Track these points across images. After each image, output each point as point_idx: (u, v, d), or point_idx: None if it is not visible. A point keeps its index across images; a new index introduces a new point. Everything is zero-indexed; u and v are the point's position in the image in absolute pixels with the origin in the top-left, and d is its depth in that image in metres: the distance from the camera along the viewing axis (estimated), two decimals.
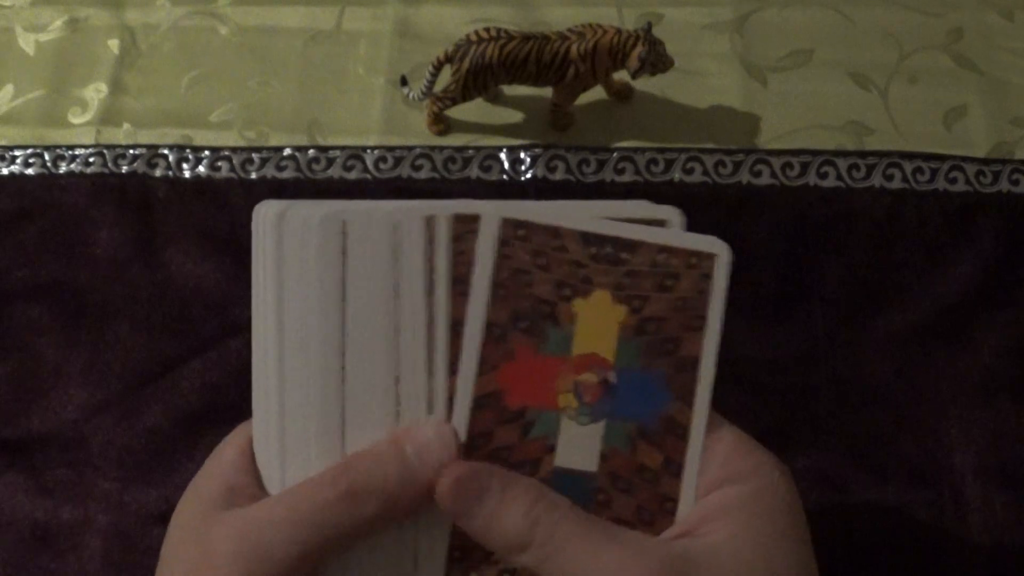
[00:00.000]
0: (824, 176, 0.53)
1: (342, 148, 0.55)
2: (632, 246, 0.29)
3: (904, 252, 0.51)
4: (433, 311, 0.29)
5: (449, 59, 0.52)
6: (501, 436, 0.29)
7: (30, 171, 0.55)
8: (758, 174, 0.53)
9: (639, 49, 0.51)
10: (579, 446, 0.29)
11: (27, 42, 0.60)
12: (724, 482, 0.28)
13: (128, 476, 0.47)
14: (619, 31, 0.51)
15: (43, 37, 0.60)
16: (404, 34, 0.59)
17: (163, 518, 0.46)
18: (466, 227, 0.29)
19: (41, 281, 0.52)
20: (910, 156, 0.53)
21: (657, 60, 0.52)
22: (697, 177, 0.53)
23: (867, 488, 0.46)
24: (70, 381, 0.49)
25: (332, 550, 0.28)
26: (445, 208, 0.29)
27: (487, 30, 0.52)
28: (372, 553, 0.29)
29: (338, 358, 0.29)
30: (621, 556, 0.27)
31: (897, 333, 0.48)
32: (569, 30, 0.52)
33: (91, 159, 0.55)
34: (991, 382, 0.48)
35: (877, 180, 0.53)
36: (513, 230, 0.29)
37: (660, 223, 0.29)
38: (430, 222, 0.29)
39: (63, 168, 0.55)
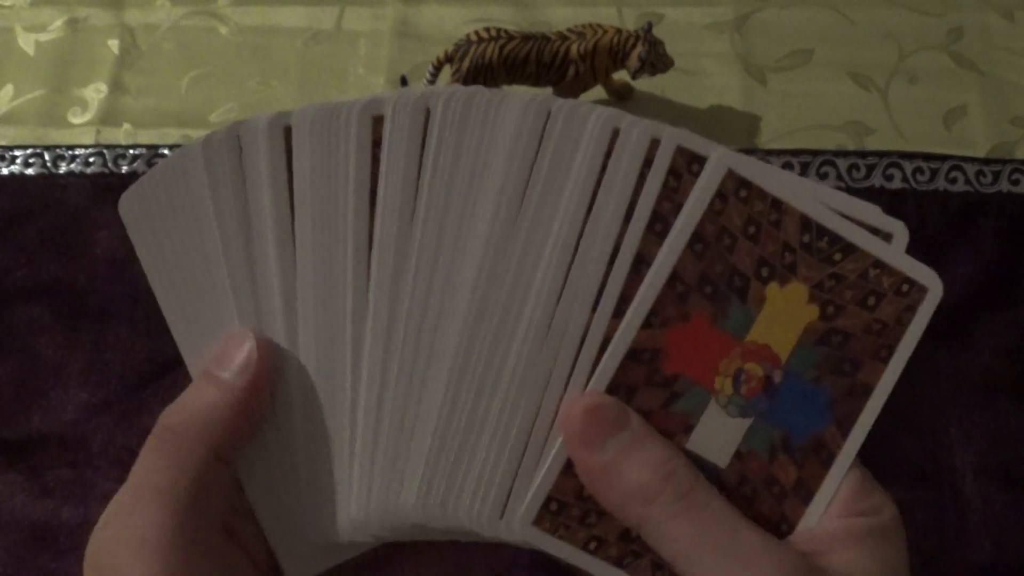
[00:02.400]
0: (824, 176, 0.53)
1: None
2: (849, 249, 0.26)
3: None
4: (622, 242, 0.26)
5: (449, 59, 0.52)
6: (643, 397, 0.26)
7: (30, 171, 0.55)
8: None
9: (639, 49, 0.51)
10: (718, 436, 0.26)
11: (27, 42, 0.60)
12: (849, 514, 0.27)
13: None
14: (619, 31, 0.51)
15: (43, 37, 0.60)
16: (404, 34, 0.59)
17: None
18: (685, 163, 0.26)
19: (41, 281, 0.52)
20: (910, 156, 0.53)
21: (657, 60, 0.52)
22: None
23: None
24: (70, 381, 0.49)
25: (205, 505, 0.26)
26: (672, 135, 0.26)
27: (487, 30, 0.52)
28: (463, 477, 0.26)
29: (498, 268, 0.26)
30: (763, 542, 0.25)
31: None
32: (569, 30, 0.52)
33: (91, 159, 0.55)
34: (991, 382, 0.48)
35: (877, 180, 0.53)
36: (736, 186, 0.26)
37: (885, 236, 0.27)
38: (653, 145, 0.26)
39: (63, 168, 0.55)
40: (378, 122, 0.27)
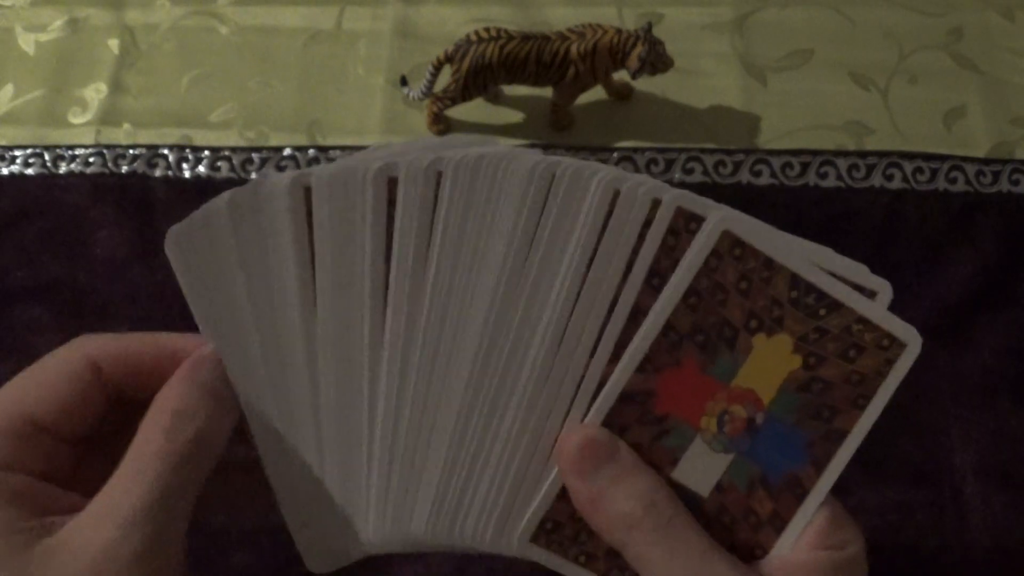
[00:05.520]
0: (824, 176, 0.53)
1: (342, 148, 0.55)
2: (834, 305, 0.28)
3: (904, 252, 0.51)
4: (621, 293, 0.28)
5: (449, 59, 0.52)
6: (634, 434, 0.29)
7: (30, 171, 0.55)
8: (758, 174, 0.53)
9: (639, 49, 0.51)
10: (702, 469, 0.29)
11: (27, 42, 0.60)
12: (820, 547, 0.29)
13: None
14: (619, 31, 0.51)
15: (43, 37, 0.60)
16: (404, 34, 0.59)
17: None
18: (684, 222, 0.28)
19: (41, 281, 0.52)
20: (910, 156, 0.53)
21: (657, 60, 0.52)
22: (697, 177, 0.53)
23: (867, 488, 0.46)
24: None
25: (179, 514, 0.26)
26: (673, 197, 0.28)
27: (487, 30, 0.52)
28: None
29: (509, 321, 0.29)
30: (731, 570, 0.27)
31: None
32: (569, 30, 0.52)
33: (91, 159, 0.55)
34: (991, 382, 0.48)
35: (877, 180, 0.53)
36: (730, 245, 0.28)
37: (869, 293, 0.29)
38: (655, 205, 0.28)
39: (63, 168, 0.55)
40: (393, 183, 0.29)
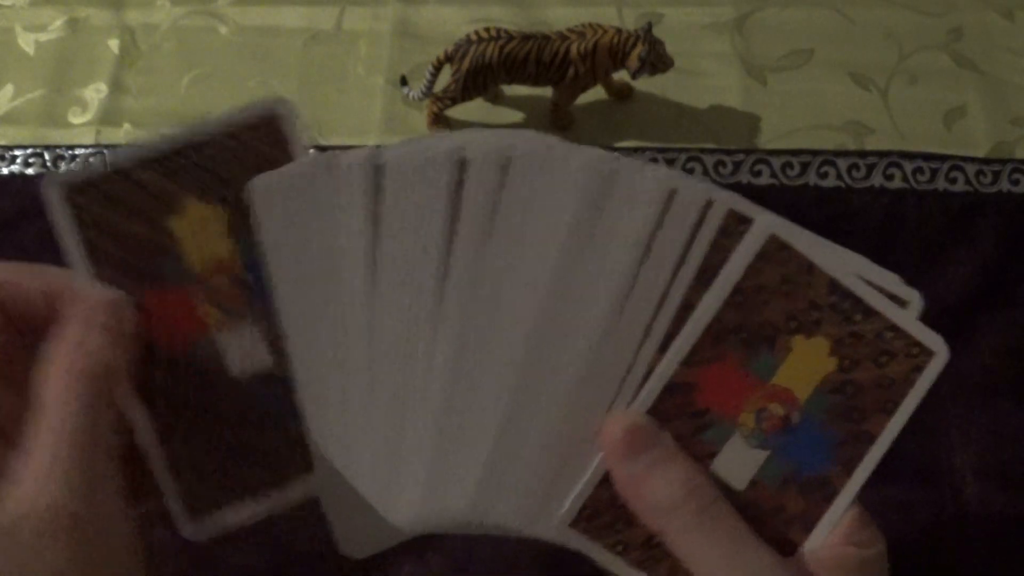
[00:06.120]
0: (824, 176, 0.53)
1: (342, 148, 0.55)
2: (869, 312, 0.30)
3: (904, 252, 0.51)
4: (671, 288, 0.29)
5: (449, 59, 0.52)
6: (677, 425, 0.30)
7: (30, 171, 0.55)
8: (758, 174, 0.53)
9: (639, 49, 0.51)
10: (738, 464, 0.30)
11: (27, 42, 0.60)
12: (846, 544, 0.30)
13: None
14: (619, 31, 0.51)
15: (43, 37, 0.60)
16: (404, 34, 0.59)
17: (163, 518, 0.46)
18: (734, 223, 0.29)
19: None
20: (910, 156, 0.53)
21: (657, 60, 0.52)
22: (697, 177, 0.53)
23: (867, 487, 0.46)
24: None
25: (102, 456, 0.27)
26: (724, 198, 0.29)
27: (487, 30, 0.52)
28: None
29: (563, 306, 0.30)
30: (771, 558, 0.28)
31: None
32: (569, 30, 0.52)
33: (91, 159, 0.55)
34: (991, 382, 0.48)
35: (877, 180, 0.53)
36: (776, 249, 0.30)
37: (901, 302, 0.30)
38: (707, 205, 0.29)
39: (63, 168, 0.55)
40: (463, 164, 0.30)
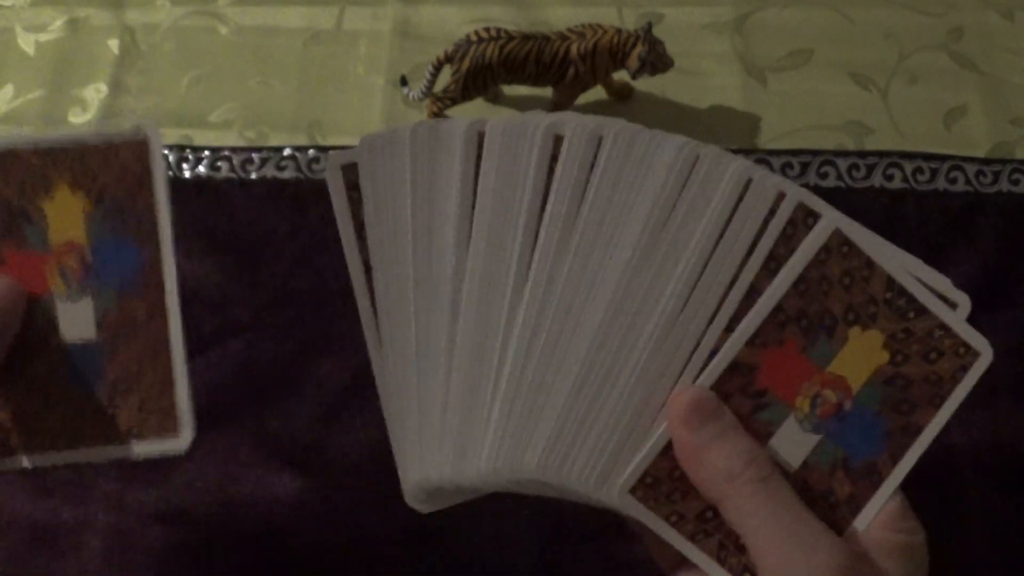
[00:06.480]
0: (824, 176, 0.53)
1: (342, 148, 0.55)
2: (921, 311, 0.32)
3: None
4: (740, 273, 0.31)
5: (449, 59, 0.52)
6: (736, 403, 0.31)
7: None
8: None
9: (639, 49, 0.51)
10: (792, 445, 0.32)
11: (27, 42, 0.60)
12: (891, 529, 0.31)
13: (128, 476, 0.47)
14: (619, 31, 0.51)
15: (43, 37, 0.60)
16: (404, 34, 0.59)
17: (163, 518, 0.46)
18: (802, 216, 0.32)
19: None
20: (910, 156, 0.53)
21: (657, 60, 0.52)
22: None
23: None
24: None
25: None
26: (795, 192, 0.32)
27: (487, 30, 0.52)
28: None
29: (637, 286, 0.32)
30: (825, 531, 0.29)
31: None
32: (569, 30, 0.52)
33: None
34: (991, 382, 0.48)
35: (877, 180, 0.53)
36: (839, 243, 0.32)
37: (951, 304, 0.32)
38: (779, 198, 0.32)
39: None
40: (558, 140, 0.32)
